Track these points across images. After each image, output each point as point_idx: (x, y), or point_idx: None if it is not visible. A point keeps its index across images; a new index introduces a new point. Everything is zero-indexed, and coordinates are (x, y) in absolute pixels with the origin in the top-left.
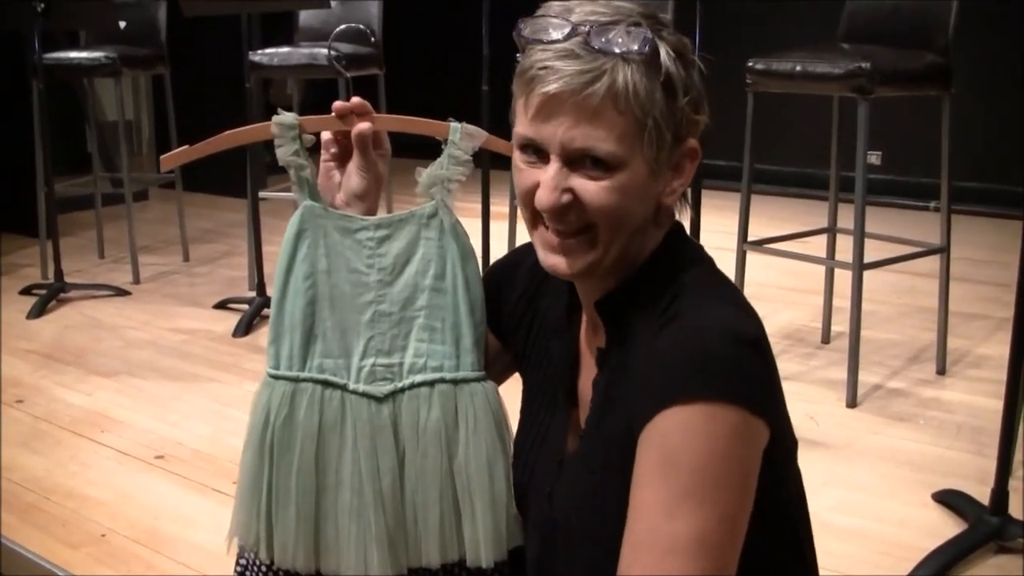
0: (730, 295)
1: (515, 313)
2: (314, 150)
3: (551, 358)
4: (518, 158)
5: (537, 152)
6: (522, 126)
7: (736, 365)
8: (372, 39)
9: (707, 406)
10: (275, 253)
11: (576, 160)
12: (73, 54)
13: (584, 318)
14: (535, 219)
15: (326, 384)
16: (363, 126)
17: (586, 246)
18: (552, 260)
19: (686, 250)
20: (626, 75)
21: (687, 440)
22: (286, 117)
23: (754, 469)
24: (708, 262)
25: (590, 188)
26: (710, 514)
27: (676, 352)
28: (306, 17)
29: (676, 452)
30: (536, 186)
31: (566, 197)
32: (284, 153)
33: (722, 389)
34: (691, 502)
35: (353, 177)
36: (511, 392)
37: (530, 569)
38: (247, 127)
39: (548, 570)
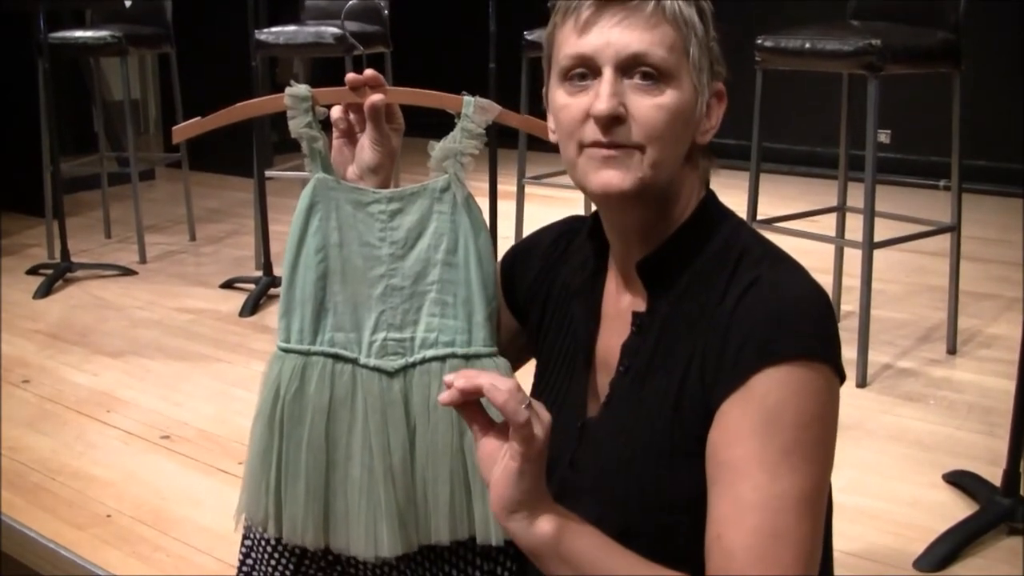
0: (789, 258)
1: (532, 289)
2: (326, 125)
3: (570, 324)
4: (561, 96)
5: (586, 72)
6: (570, 47)
7: (824, 325)
8: (384, 11)
9: (804, 365)
10: (282, 232)
11: (628, 69)
12: (79, 33)
13: (608, 281)
14: (579, 149)
15: (337, 358)
16: (376, 97)
17: (635, 160)
18: (603, 176)
19: (727, 213)
20: None
21: (788, 398)
22: (299, 89)
23: (836, 426)
24: (748, 225)
25: (642, 105)
26: (811, 472)
27: (768, 313)
28: None
29: (778, 410)
30: (583, 116)
31: (622, 108)
32: (296, 125)
33: (816, 348)
34: (794, 460)
35: (366, 150)
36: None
37: None
38: (260, 98)
39: None
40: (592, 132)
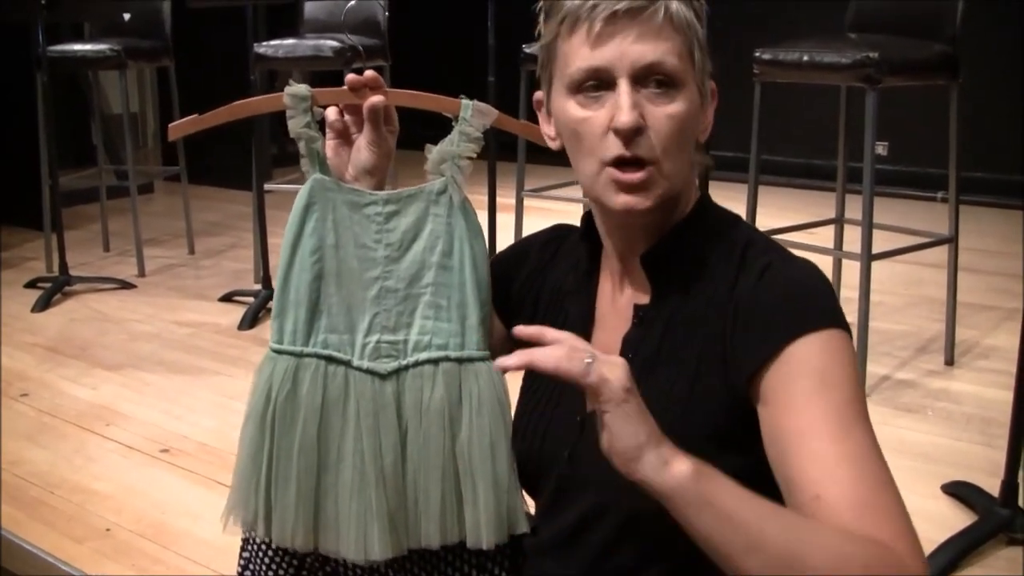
0: (786, 250)
1: (521, 292)
2: (322, 128)
3: (563, 323)
4: (575, 108)
5: (600, 84)
6: (582, 60)
7: (836, 301)
8: (383, 24)
9: (833, 332)
10: (281, 245)
11: (643, 79)
12: (77, 46)
13: (603, 281)
14: (600, 167)
15: (330, 360)
16: (375, 99)
17: (653, 180)
18: (626, 199)
19: (723, 210)
20: (676, 1)
21: (830, 362)
22: (298, 88)
23: None
24: (745, 220)
25: (658, 115)
26: (868, 424)
27: (790, 291)
28: (311, 9)
29: (826, 373)
30: (603, 130)
31: (642, 120)
32: (295, 125)
33: (840, 319)
34: (856, 413)
35: (363, 152)
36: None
37: (555, 542)
38: (259, 97)
39: (578, 536)
40: (614, 147)
